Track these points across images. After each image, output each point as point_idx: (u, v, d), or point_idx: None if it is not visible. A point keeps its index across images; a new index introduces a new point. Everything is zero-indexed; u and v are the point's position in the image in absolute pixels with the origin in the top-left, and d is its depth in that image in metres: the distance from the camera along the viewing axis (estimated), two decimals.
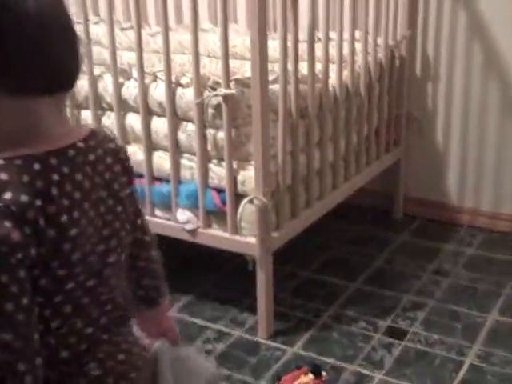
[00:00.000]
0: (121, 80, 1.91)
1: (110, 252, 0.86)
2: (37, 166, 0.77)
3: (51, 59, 0.78)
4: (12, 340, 0.73)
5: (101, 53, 2.41)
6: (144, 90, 1.85)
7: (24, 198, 0.74)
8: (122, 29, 2.50)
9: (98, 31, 2.47)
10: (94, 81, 1.94)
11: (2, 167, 0.75)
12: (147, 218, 1.89)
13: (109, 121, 1.97)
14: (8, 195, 0.73)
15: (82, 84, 1.97)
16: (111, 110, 1.95)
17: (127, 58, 2.27)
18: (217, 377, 1.07)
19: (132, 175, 0.94)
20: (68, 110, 2.00)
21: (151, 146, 1.91)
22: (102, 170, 0.86)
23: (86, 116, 2.00)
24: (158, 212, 1.96)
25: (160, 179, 1.94)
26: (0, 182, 0.74)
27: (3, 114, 0.77)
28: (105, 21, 2.64)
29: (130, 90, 1.90)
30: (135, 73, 1.88)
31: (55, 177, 0.78)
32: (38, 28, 0.76)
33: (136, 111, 1.91)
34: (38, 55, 0.77)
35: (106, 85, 1.94)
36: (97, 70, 1.97)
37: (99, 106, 1.97)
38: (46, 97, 0.79)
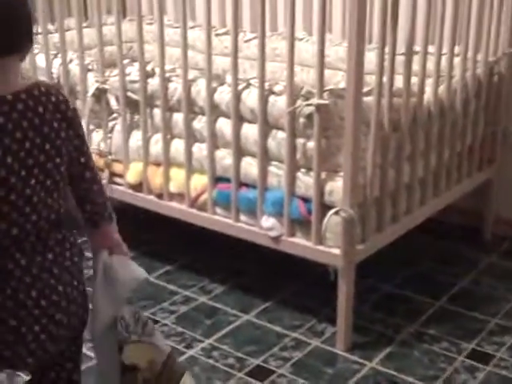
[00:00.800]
0: (214, 85, 1.94)
1: (31, 176, 1.14)
2: None
3: None
4: None
5: (194, 57, 2.45)
6: (237, 96, 1.87)
7: None
8: (217, 34, 2.54)
9: (194, 36, 2.51)
10: (187, 85, 1.97)
11: None
12: (231, 222, 1.95)
13: (199, 124, 1.99)
14: None
15: (176, 87, 2.01)
16: (203, 114, 1.97)
17: (220, 63, 2.30)
18: (142, 283, 1.33)
19: (73, 122, 1.20)
20: (159, 111, 2.04)
21: (240, 152, 1.92)
22: (31, 116, 1.13)
23: (178, 118, 2.03)
24: (242, 217, 1.97)
25: (247, 185, 1.95)
26: None
27: None
28: (201, 26, 2.70)
29: (223, 95, 1.92)
30: (229, 78, 1.90)
31: None
32: None
33: (227, 116, 1.92)
34: None
35: (200, 89, 1.96)
36: (191, 74, 2.00)
37: (191, 110, 2.00)
38: None
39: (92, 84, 2.18)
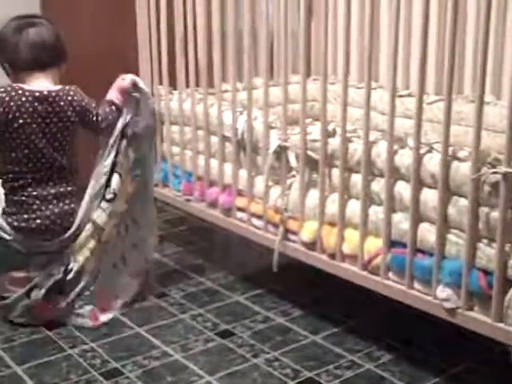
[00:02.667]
0: (395, 147, 1.91)
1: (45, 140, 2.24)
2: (11, 91, 2.19)
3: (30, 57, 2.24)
4: None
5: (375, 118, 2.45)
6: (418, 160, 1.83)
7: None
8: (400, 96, 2.51)
9: (375, 97, 2.51)
10: (368, 146, 1.96)
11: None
12: (404, 289, 1.89)
13: (378, 186, 1.97)
14: None
15: (356, 148, 2.00)
16: (381, 176, 1.95)
17: (401, 125, 2.27)
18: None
19: (79, 106, 2.28)
20: (338, 171, 2.04)
21: (418, 217, 1.86)
22: (55, 105, 2.23)
23: (356, 179, 2.02)
24: (416, 285, 1.90)
25: (422, 251, 1.89)
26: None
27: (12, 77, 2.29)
28: (383, 87, 2.69)
29: (404, 158, 1.88)
30: (411, 142, 1.86)
31: (15, 98, 2.18)
32: (27, 45, 2.23)
33: (406, 180, 1.88)
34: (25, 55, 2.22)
35: (380, 151, 1.94)
36: (371, 136, 1.99)
37: (370, 171, 1.98)
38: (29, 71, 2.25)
39: (274, 141, 2.24)
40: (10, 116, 2.19)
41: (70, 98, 2.26)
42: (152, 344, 2.17)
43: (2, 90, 2.19)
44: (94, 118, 2.32)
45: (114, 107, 2.37)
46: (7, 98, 2.18)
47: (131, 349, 2.14)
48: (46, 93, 2.22)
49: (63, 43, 2.33)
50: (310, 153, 2.14)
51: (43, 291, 2.24)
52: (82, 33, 3.57)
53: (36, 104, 2.20)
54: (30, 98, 2.20)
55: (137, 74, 2.85)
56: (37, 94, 2.21)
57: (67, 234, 2.27)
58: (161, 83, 2.77)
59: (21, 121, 2.20)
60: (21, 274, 2.26)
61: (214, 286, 2.58)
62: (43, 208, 2.26)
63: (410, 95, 2.55)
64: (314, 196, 2.16)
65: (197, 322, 2.30)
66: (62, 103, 2.24)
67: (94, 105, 2.33)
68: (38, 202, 2.26)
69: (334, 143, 2.06)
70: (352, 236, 2.04)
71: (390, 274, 1.97)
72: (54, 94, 2.23)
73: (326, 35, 2.06)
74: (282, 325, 2.29)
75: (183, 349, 2.14)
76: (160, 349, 2.14)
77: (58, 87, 2.27)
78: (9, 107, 2.18)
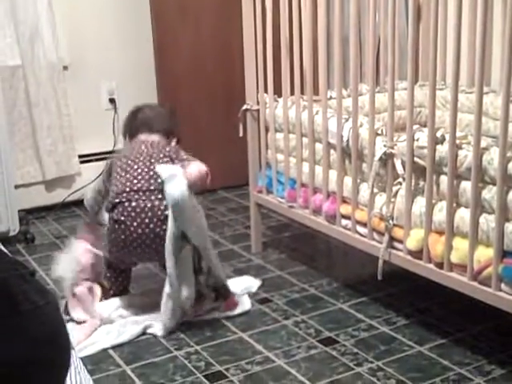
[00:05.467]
0: (508, 154, 1.84)
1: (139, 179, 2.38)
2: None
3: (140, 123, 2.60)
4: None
5: (486, 124, 2.36)
6: None
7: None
8: None
9: (486, 101, 2.43)
10: (479, 153, 1.90)
11: None
12: None
13: (489, 195, 1.90)
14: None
15: (466, 154, 1.94)
16: (493, 184, 1.88)
17: None
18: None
19: (172, 157, 2.43)
20: (446, 178, 1.98)
21: None
22: (148, 153, 2.43)
23: (465, 187, 1.96)
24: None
25: None
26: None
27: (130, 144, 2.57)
28: (495, 91, 2.60)
29: None
30: None
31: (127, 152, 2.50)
32: (141, 118, 2.61)
33: None
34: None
35: (492, 158, 1.88)
36: (483, 142, 1.92)
37: (481, 179, 1.91)
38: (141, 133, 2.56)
39: (380, 148, 2.21)
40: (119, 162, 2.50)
41: (168, 148, 2.48)
42: (255, 349, 2.19)
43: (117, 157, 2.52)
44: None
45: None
46: (120, 156, 2.50)
47: (234, 353, 2.17)
48: (148, 139, 2.52)
49: (173, 123, 2.63)
50: (417, 160, 2.09)
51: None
52: (188, 39, 3.67)
53: (142, 146, 2.48)
54: (137, 146, 2.50)
55: (242, 81, 2.89)
56: (141, 141, 2.52)
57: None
58: (266, 91, 2.80)
59: (126, 160, 2.47)
60: None
61: (317, 292, 2.57)
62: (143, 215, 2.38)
63: None
64: (420, 203, 2.11)
65: (299, 329, 2.30)
66: (160, 146, 2.48)
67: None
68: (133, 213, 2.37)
69: (443, 150, 2.01)
70: (461, 245, 1.98)
71: (502, 286, 1.89)
72: (154, 140, 2.50)
73: (435, 39, 2.01)
74: (386, 334, 2.25)
75: (286, 355, 2.14)
76: (263, 354, 2.15)
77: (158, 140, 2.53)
78: (121, 159, 2.48)
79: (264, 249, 2.98)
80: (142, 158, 2.40)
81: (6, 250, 1.58)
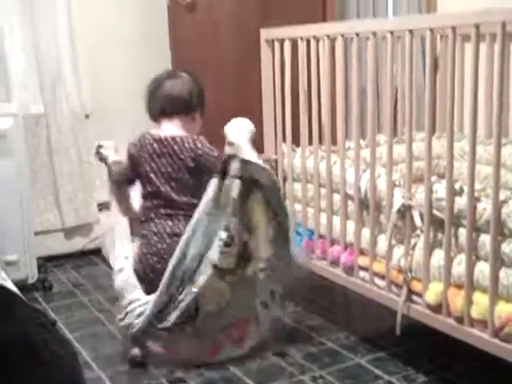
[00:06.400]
0: None
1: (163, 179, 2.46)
2: (141, 136, 2.55)
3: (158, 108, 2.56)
4: None
5: (505, 176, 2.34)
6: None
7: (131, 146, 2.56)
8: None
9: (505, 153, 2.41)
10: (498, 206, 1.86)
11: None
12: None
13: (509, 248, 1.86)
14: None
15: (485, 207, 1.91)
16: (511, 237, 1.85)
17: None
18: None
19: (195, 154, 2.44)
20: (465, 231, 1.95)
21: None
22: (169, 148, 2.46)
23: (485, 240, 1.92)
24: None
25: None
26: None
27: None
28: None
29: None
30: None
31: (142, 141, 2.52)
32: (159, 97, 2.55)
33: None
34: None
35: (511, 211, 1.84)
36: (501, 194, 1.89)
37: (500, 232, 1.88)
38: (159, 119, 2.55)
39: (398, 199, 2.18)
40: (136, 157, 2.52)
41: (188, 144, 2.44)
42: None
43: (138, 136, 2.53)
44: (212, 161, 2.41)
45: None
46: (137, 143, 2.53)
47: None
48: (164, 136, 2.48)
49: (195, 95, 2.55)
50: (435, 212, 2.06)
51: None
52: (207, 91, 3.70)
53: (155, 145, 2.48)
54: (151, 141, 2.49)
55: (261, 130, 2.90)
56: (157, 137, 2.49)
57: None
58: (284, 140, 2.80)
59: (142, 160, 2.49)
60: None
61: (335, 346, 2.51)
62: (158, 245, 2.40)
63: None
64: (439, 256, 2.07)
65: None
66: (175, 147, 2.45)
67: (214, 153, 2.43)
68: (155, 238, 2.41)
69: (461, 202, 1.98)
70: (481, 299, 1.93)
71: None
72: (170, 138, 2.47)
73: (452, 91, 2.00)
74: None
75: None
76: None
77: (182, 134, 2.49)
78: (136, 150, 2.52)
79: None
80: (162, 180, 2.46)
81: (25, 299, 1.58)
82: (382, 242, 2.29)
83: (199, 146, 2.44)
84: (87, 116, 3.59)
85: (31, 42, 3.36)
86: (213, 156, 2.42)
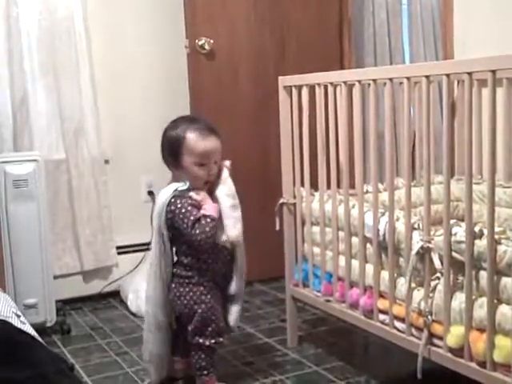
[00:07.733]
0: None
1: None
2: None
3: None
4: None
5: None
6: None
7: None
8: None
9: None
10: None
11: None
12: None
13: None
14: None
15: (505, 249, 1.91)
16: None
17: None
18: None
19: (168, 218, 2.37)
20: (485, 274, 1.95)
21: None
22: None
23: (506, 283, 1.92)
24: None
25: None
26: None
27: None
28: None
29: None
30: None
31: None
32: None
33: None
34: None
35: None
36: None
37: None
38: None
39: (417, 242, 2.19)
40: None
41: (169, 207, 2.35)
42: None
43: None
44: (188, 230, 2.32)
45: (208, 219, 2.35)
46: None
47: None
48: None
49: (165, 147, 2.43)
50: (455, 254, 2.07)
51: None
52: (224, 135, 3.75)
53: None
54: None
55: (278, 175, 2.93)
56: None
57: None
58: (302, 184, 2.83)
59: None
60: None
61: None
62: None
63: None
64: (460, 299, 2.07)
65: None
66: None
67: (191, 217, 2.32)
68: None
69: (481, 245, 1.99)
70: (504, 343, 1.92)
71: None
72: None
73: (470, 134, 2.03)
74: None
75: None
76: None
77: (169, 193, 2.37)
78: None
79: (300, 343, 2.93)
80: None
81: (44, 342, 1.59)
82: (401, 284, 2.29)
83: (173, 208, 2.36)
84: (107, 161, 3.64)
85: (55, 89, 3.44)
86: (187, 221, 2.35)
